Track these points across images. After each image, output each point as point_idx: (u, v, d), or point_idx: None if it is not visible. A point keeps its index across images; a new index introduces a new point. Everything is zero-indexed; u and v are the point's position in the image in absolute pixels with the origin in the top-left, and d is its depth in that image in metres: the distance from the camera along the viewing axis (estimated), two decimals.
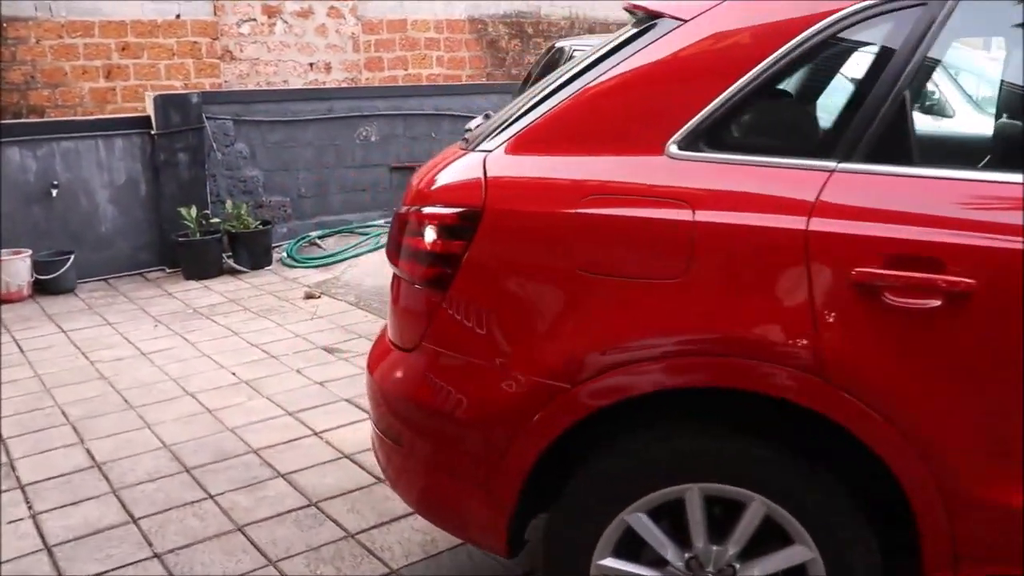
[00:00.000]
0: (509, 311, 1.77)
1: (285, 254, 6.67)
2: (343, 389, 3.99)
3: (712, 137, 1.68)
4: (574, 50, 6.25)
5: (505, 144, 1.85)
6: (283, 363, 4.38)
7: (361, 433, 3.47)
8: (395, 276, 2.05)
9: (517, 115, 1.90)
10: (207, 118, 6.53)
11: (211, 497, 2.95)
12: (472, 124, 2.24)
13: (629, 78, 1.78)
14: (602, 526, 1.77)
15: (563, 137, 1.79)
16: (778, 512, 1.68)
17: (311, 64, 10.64)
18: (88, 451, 3.36)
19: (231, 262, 6.32)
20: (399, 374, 1.98)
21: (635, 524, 1.76)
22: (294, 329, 4.96)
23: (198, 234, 6.17)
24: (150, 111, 6.29)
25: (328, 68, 10.70)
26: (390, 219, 7.49)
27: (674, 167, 1.68)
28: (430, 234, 1.85)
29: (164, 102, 6.27)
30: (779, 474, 1.67)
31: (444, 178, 1.93)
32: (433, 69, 11.57)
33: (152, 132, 6.25)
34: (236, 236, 6.33)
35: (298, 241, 6.95)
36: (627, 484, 1.74)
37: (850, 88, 1.75)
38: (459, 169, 1.91)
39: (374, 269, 6.24)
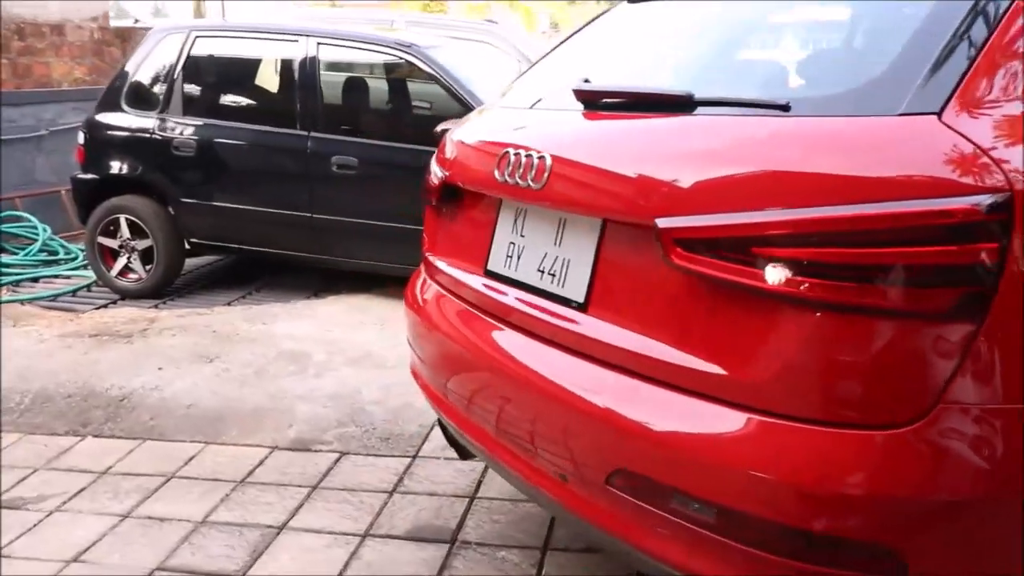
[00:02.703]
0: None
1: None
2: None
3: None
4: (196, 37, 4.94)
5: (954, 102, 1.28)
6: None
7: None
8: (823, 317, 1.27)
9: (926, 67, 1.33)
10: None
11: None
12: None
13: None
14: None
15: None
16: None
17: None
18: None
19: None
20: (886, 466, 1.23)
21: None
22: None
23: None
24: None
25: None
26: None
27: None
28: (935, 239, 1.19)
29: None
30: None
31: (877, 158, 1.29)
32: None
33: None
34: None
35: None
36: None
37: None
38: (895, 140, 1.30)
39: None
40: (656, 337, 1.47)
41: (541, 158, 1.68)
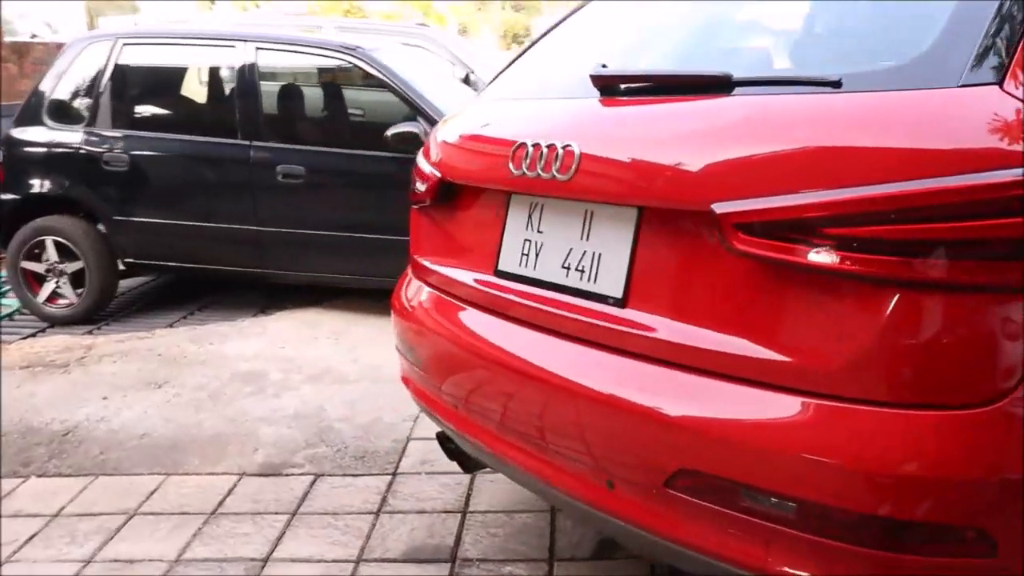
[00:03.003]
0: None
1: None
2: None
3: None
4: (124, 45, 4.66)
5: (1012, 71, 1.26)
6: None
7: None
8: (905, 296, 1.21)
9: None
10: None
11: None
12: None
13: None
14: None
15: None
16: None
17: None
18: None
19: None
20: (977, 445, 1.18)
21: None
22: None
23: None
24: None
25: None
26: None
27: None
28: (1015, 211, 1.15)
29: None
30: None
31: (945, 130, 1.25)
32: None
33: None
34: None
35: None
36: None
37: None
38: (961, 112, 1.26)
39: None
40: (711, 328, 1.38)
41: (567, 147, 1.58)
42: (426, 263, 2.11)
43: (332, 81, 5.04)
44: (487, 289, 1.84)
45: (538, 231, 1.73)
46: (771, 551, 1.31)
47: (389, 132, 4.32)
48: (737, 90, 1.46)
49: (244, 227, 4.61)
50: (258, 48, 4.56)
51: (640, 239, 1.51)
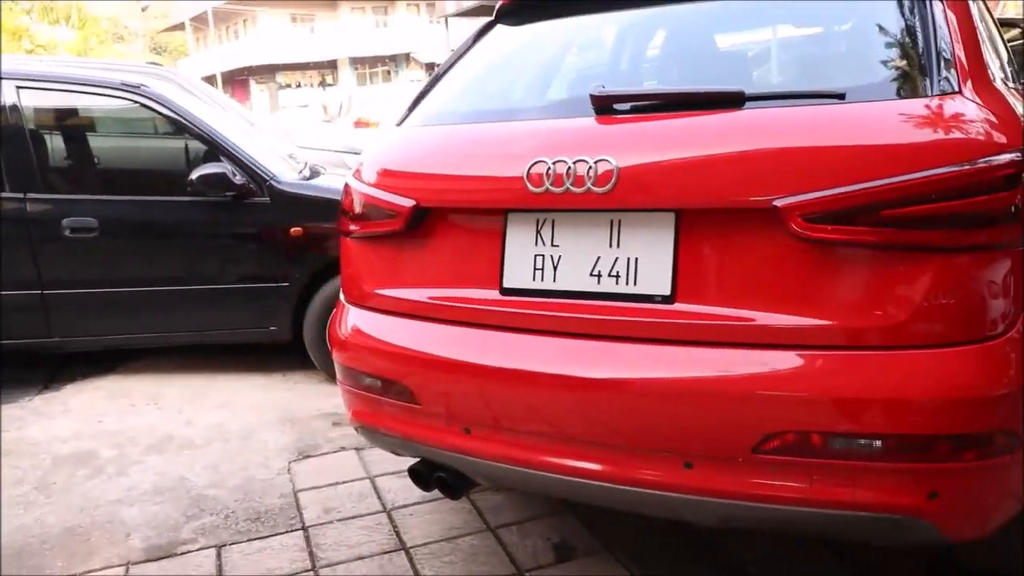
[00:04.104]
0: None
1: None
2: None
3: None
4: None
5: (966, 84, 1.63)
6: None
7: None
8: (943, 258, 1.50)
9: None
10: None
11: None
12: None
13: None
14: None
15: None
16: None
17: None
18: None
19: None
20: (977, 371, 1.50)
21: None
22: None
23: None
24: None
25: None
26: None
27: None
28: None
29: None
30: None
31: (945, 128, 1.57)
32: None
33: None
34: None
35: None
36: None
37: None
38: (952, 113, 1.58)
39: None
40: (775, 307, 1.58)
41: (601, 161, 1.68)
42: (394, 293, 2.07)
43: (117, 122, 4.55)
44: (494, 308, 1.87)
45: (553, 245, 1.81)
46: (858, 486, 1.54)
47: (194, 175, 4.04)
48: (748, 104, 1.68)
49: (23, 292, 4.01)
50: (19, 87, 3.99)
51: (682, 239, 1.66)
